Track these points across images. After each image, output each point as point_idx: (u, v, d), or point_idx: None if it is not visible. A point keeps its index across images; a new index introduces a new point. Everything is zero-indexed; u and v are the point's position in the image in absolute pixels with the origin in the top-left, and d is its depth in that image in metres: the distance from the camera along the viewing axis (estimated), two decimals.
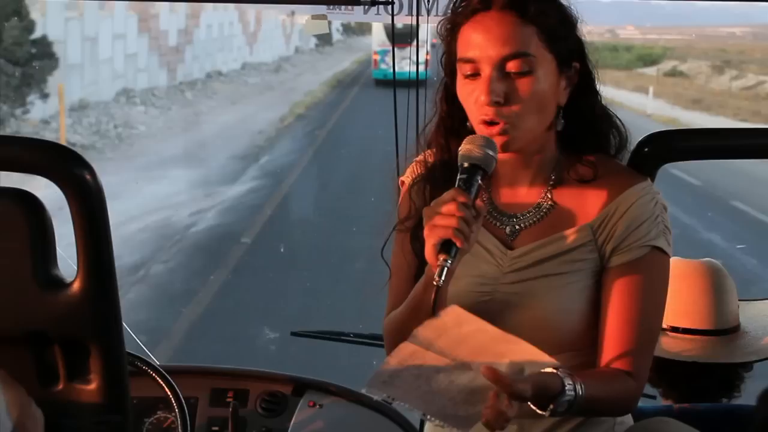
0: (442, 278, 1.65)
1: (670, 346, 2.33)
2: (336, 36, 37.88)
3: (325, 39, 35.01)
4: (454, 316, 1.61)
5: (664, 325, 2.32)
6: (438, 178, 1.89)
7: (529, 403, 1.61)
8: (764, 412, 1.71)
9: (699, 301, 2.37)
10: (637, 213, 1.81)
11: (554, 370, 1.64)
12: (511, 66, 1.76)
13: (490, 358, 1.57)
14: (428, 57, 2.69)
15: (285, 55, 33.42)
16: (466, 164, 1.71)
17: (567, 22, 1.82)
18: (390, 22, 2.74)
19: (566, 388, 1.63)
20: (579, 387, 1.65)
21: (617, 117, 1.90)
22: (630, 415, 1.94)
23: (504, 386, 1.54)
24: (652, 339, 1.85)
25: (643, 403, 2.31)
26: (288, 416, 2.63)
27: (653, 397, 2.53)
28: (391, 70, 2.70)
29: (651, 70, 31.51)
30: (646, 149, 2.02)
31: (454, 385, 1.57)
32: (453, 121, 1.88)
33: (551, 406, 1.64)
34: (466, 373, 1.57)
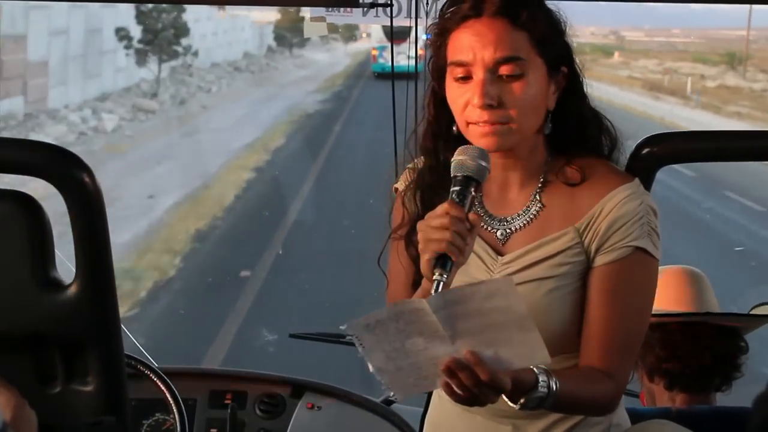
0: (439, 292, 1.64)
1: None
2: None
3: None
4: (493, 288, 1.56)
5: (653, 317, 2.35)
6: (427, 183, 1.89)
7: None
8: (761, 415, 1.71)
9: (683, 291, 2.43)
10: (621, 213, 1.81)
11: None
12: (504, 69, 1.77)
13: (480, 343, 1.55)
14: (422, 52, 2.74)
15: None
16: (459, 176, 1.71)
17: (556, 27, 1.84)
18: (388, 24, 2.77)
19: (539, 384, 1.64)
20: (553, 384, 1.65)
21: (607, 118, 1.91)
22: (627, 417, 1.94)
23: (483, 373, 1.55)
24: (634, 341, 1.84)
25: (632, 404, 2.32)
26: (286, 418, 2.63)
27: (637, 396, 2.54)
28: (388, 63, 2.76)
29: None
30: (644, 151, 2.02)
31: (427, 352, 1.56)
32: (440, 126, 1.88)
33: (522, 400, 1.64)
34: (446, 346, 1.56)
